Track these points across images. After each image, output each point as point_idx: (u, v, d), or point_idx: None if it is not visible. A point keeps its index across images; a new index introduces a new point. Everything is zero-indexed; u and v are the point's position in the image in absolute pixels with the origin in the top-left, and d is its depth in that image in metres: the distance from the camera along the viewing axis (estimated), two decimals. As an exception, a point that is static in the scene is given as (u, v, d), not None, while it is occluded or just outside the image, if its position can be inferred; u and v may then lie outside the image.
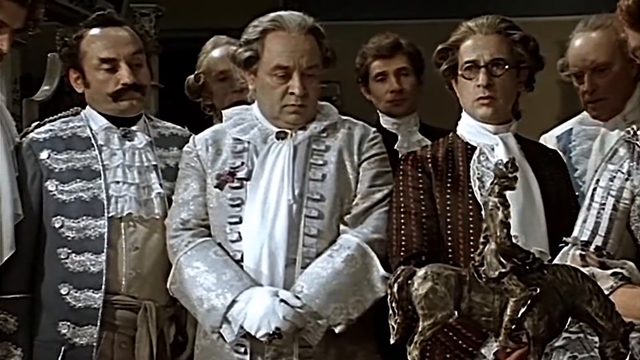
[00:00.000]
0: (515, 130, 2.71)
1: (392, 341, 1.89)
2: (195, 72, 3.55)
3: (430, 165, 2.67)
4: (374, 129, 2.88)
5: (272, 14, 2.78)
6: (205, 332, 2.73)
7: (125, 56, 2.86)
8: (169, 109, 4.89)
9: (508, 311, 1.82)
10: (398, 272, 1.89)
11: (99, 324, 2.77)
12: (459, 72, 2.65)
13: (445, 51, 2.69)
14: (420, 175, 2.66)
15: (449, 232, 2.59)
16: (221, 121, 3.51)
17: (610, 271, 2.08)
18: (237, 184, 2.72)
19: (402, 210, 2.64)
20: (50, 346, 2.81)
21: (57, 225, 2.81)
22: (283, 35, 2.72)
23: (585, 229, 2.18)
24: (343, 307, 2.62)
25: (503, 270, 1.82)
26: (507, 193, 1.87)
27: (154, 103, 5.74)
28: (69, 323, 2.79)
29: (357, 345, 2.71)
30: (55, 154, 2.86)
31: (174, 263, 2.74)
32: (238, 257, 2.69)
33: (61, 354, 2.79)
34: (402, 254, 2.59)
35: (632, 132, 2.18)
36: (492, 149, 2.65)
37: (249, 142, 2.76)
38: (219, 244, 2.73)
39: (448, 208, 2.60)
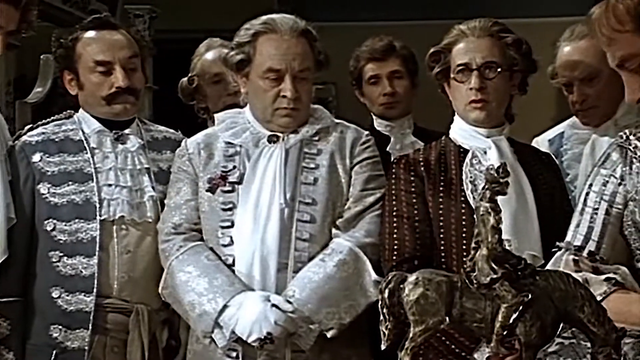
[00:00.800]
0: (508, 134, 2.71)
1: (383, 347, 1.87)
2: (189, 75, 3.55)
3: (422, 168, 2.66)
4: (366, 132, 2.87)
5: (264, 17, 2.77)
6: (197, 337, 2.71)
7: (120, 60, 2.86)
8: (163, 111, 4.88)
9: (500, 317, 1.81)
10: (389, 278, 1.88)
11: (90, 327, 2.77)
12: (452, 75, 2.65)
13: (437, 54, 2.68)
14: (412, 178, 2.65)
15: (441, 235, 2.58)
16: (214, 124, 3.53)
17: (603, 276, 2.07)
18: (229, 188, 2.71)
19: (394, 214, 2.64)
20: (42, 350, 2.80)
21: (49, 228, 2.80)
22: (275, 38, 2.72)
23: (579, 234, 2.17)
24: (335, 311, 2.61)
25: (495, 276, 1.80)
26: (499, 197, 1.86)
27: (148, 104, 5.73)
28: (60, 327, 2.79)
29: (351, 349, 2.70)
30: (48, 157, 2.85)
31: (166, 267, 2.74)
32: (230, 261, 2.68)
33: (53, 357, 2.78)
34: (394, 258, 2.59)
35: (624, 137, 2.17)
36: (485, 152, 2.64)
37: (240, 146, 2.76)
38: (211, 249, 2.72)
39: (441, 212, 2.59)
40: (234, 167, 2.73)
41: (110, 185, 2.83)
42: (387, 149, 3.41)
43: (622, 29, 1.92)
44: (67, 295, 2.78)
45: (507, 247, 2.39)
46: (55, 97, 4.31)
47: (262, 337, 2.56)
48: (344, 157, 2.76)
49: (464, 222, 2.55)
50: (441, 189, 2.62)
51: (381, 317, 1.89)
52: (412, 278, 1.86)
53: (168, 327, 2.91)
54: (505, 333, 1.81)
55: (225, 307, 2.60)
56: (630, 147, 2.15)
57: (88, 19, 2.99)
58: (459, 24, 2.71)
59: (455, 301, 1.83)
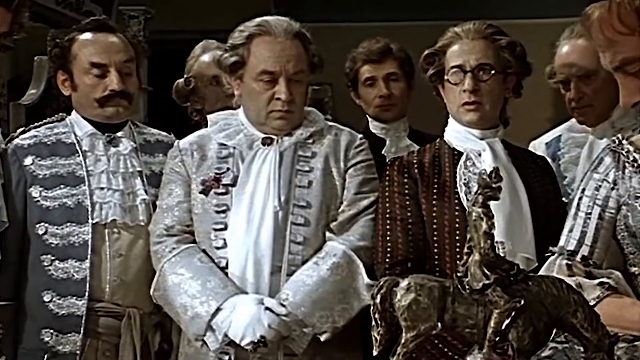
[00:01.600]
0: (502, 136, 2.70)
1: (375, 352, 1.86)
2: (185, 76, 3.54)
3: (416, 171, 2.65)
4: (360, 136, 2.86)
5: (258, 19, 2.76)
6: (189, 340, 2.70)
7: (116, 63, 2.85)
8: (158, 112, 4.87)
9: (492, 323, 1.79)
10: (381, 283, 1.87)
11: (82, 331, 2.75)
12: (446, 77, 2.64)
13: (431, 56, 2.68)
14: (406, 181, 2.64)
15: (435, 238, 2.57)
16: (207, 126, 3.52)
17: (597, 281, 2.06)
18: (223, 190, 2.70)
19: (387, 216, 2.63)
20: (34, 354, 2.79)
21: (40, 232, 2.79)
22: (269, 41, 2.70)
23: (572, 239, 2.16)
24: (329, 315, 2.60)
25: (487, 281, 1.79)
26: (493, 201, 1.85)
27: (143, 106, 5.72)
28: (52, 331, 2.77)
29: (344, 353, 2.69)
30: (40, 160, 2.84)
31: (158, 269, 2.72)
32: (223, 264, 2.66)
33: (44, 361, 2.76)
34: (387, 260, 2.58)
35: (617, 141, 2.16)
36: (479, 155, 2.63)
37: (234, 148, 2.75)
38: (204, 251, 2.70)
39: (434, 214, 2.58)
40: (228, 169, 2.72)
41: (102, 188, 2.82)
42: (383, 152, 3.40)
43: (627, 31, 1.87)
44: (59, 299, 2.77)
45: (501, 250, 2.42)
46: (50, 98, 4.30)
47: (255, 341, 2.54)
48: (338, 160, 2.74)
49: (457, 225, 2.54)
50: (435, 191, 2.61)
51: (373, 323, 1.87)
52: (404, 283, 1.84)
53: (160, 330, 2.89)
54: (497, 339, 1.80)
55: (218, 309, 2.59)
56: (623, 152, 2.14)
57: (86, 20, 3.00)
58: (455, 25, 2.71)
59: (448, 307, 1.82)
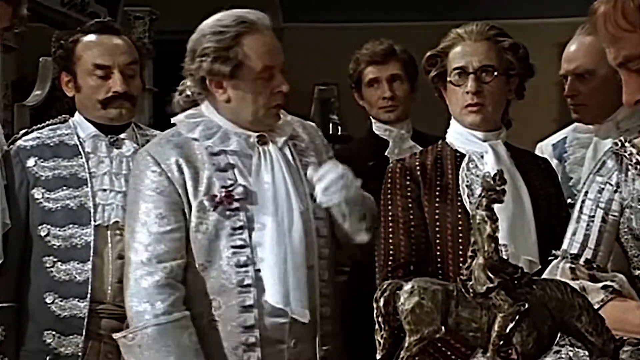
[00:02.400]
0: (505, 138, 2.69)
1: (378, 357, 1.85)
2: None
3: (418, 173, 2.64)
4: (314, 125, 2.85)
5: (233, 17, 2.59)
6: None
7: (119, 65, 2.85)
8: (163, 113, 4.86)
9: (496, 327, 1.78)
10: (384, 286, 1.86)
11: (84, 333, 2.75)
12: (448, 79, 2.63)
13: (434, 57, 2.66)
14: (408, 183, 2.63)
15: (437, 241, 2.56)
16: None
17: (600, 284, 2.05)
18: (237, 205, 2.54)
19: (390, 219, 2.61)
20: (36, 356, 2.79)
21: (43, 234, 2.79)
22: (259, 37, 2.58)
23: (575, 242, 2.15)
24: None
25: (491, 285, 1.78)
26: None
27: (148, 106, 5.73)
28: (54, 332, 2.77)
29: None
30: (42, 162, 2.84)
31: (140, 323, 2.48)
32: (247, 282, 2.51)
33: (46, 363, 2.76)
34: (389, 263, 2.56)
35: (620, 144, 2.15)
36: (482, 157, 2.62)
37: (227, 156, 2.58)
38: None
39: (437, 217, 2.57)
40: (234, 181, 2.56)
41: (104, 190, 2.81)
42: (386, 153, 3.39)
43: (630, 28, 1.87)
44: (61, 301, 2.77)
45: (504, 252, 2.41)
46: (54, 100, 4.31)
47: None
48: (320, 152, 2.73)
49: (460, 227, 2.53)
50: (437, 193, 2.60)
51: (376, 326, 1.86)
52: (407, 287, 1.83)
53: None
54: (501, 343, 1.79)
55: None
56: (626, 154, 2.12)
57: (90, 22, 2.99)
58: (458, 26, 2.70)
59: (451, 310, 1.81)
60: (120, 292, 2.76)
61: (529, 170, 2.66)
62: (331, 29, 7.01)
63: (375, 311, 1.86)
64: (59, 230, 2.78)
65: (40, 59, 4.71)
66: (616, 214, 2.12)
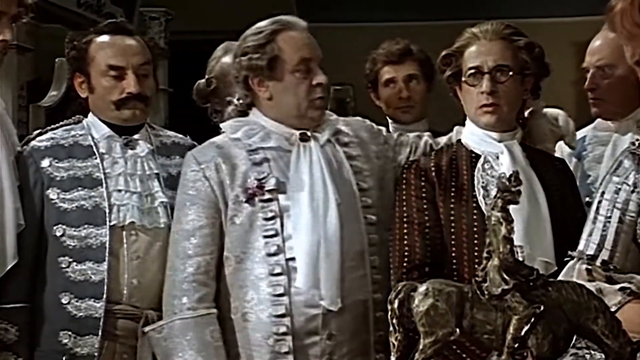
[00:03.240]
0: (520, 138, 2.67)
1: (392, 359, 1.84)
2: (207, 77, 3.53)
3: (433, 174, 2.63)
4: (360, 119, 2.88)
5: (269, 20, 2.73)
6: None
7: (133, 65, 2.85)
8: (179, 113, 4.87)
9: (511, 329, 1.77)
10: (399, 288, 1.85)
11: (100, 333, 2.75)
12: (463, 79, 2.61)
13: (449, 57, 2.65)
14: (423, 184, 2.62)
15: (453, 242, 2.55)
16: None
17: (617, 286, 2.03)
18: (269, 196, 2.63)
19: (405, 220, 2.61)
20: (51, 356, 2.79)
21: (58, 234, 2.79)
22: (294, 33, 2.70)
23: (591, 243, 2.13)
24: None
25: (506, 287, 1.77)
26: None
27: (164, 107, 5.74)
28: (70, 333, 2.77)
29: None
30: (57, 162, 2.84)
31: (168, 316, 2.66)
32: (277, 270, 2.59)
33: (62, 364, 2.77)
34: (404, 265, 2.56)
35: (637, 144, 2.13)
36: (497, 157, 2.61)
37: (264, 151, 2.68)
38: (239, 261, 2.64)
39: (452, 218, 2.56)
40: (267, 174, 2.65)
41: (120, 190, 2.81)
42: (403, 154, 3.38)
43: None
44: (77, 301, 2.77)
45: (520, 254, 2.39)
46: (70, 101, 4.32)
47: None
48: (366, 144, 2.75)
49: (475, 229, 2.52)
50: (452, 194, 2.59)
51: (390, 328, 1.86)
52: (422, 289, 1.83)
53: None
54: (516, 345, 1.78)
55: None
56: (643, 154, 2.11)
57: (103, 23, 3.00)
58: (474, 25, 2.68)
59: (466, 312, 1.80)
60: (136, 292, 2.79)
61: (544, 170, 2.64)
62: (347, 29, 7.01)
63: (389, 313, 1.85)
64: (74, 231, 2.78)
65: (56, 60, 4.72)
66: (633, 214, 2.10)
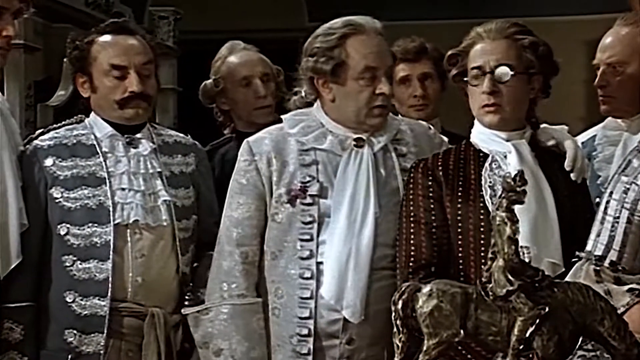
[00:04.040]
0: (529, 138, 2.64)
1: (396, 360, 1.83)
2: (214, 77, 3.52)
3: (441, 173, 2.61)
4: (426, 124, 2.89)
5: (343, 19, 2.73)
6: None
7: (135, 65, 2.85)
8: (188, 112, 4.86)
9: (516, 331, 1.76)
10: (403, 289, 1.84)
11: (105, 331, 2.75)
12: (466, 78, 2.59)
13: (455, 57, 2.64)
14: (430, 183, 2.60)
15: (459, 242, 2.53)
16: (233, 128, 3.49)
17: (626, 287, 2.01)
18: (310, 201, 2.65)
19: (412, 219, 2.59)
20: (57, 355, 2.79)
21: (62, 233, 2.79)
22: (364, 38, 2.69)
23: (599, 243, 2.11)
24: None
25: (511, 288, 1.75)
26: (518, 205, 1.80)
27: (173, 106, 5.72)
28: (75, 331, 2.77)
29: None
30: (60, 161, 2.84)
31: (216, 300, 2.71)
32: (307, 274, 2.63)
33: (67, 362, 2.76)
34: (410, 264, 2.55)
35: None
36: (505, 157, 2.58)
37: (316, 152, 2.69)
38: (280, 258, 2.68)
39: (459, 217, 2.54)
40: (313, 178, 2.67)
41: (123, 189, 2.81)
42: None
43: None
44: (82, 300, 2.77)
45: (526, 255, 2.36)
46: (78, 100, 4.32)
47: None
48: (424, 154, 2.72)
49: (482, 229, 2.49)
50: (459, 194, 2.57)
51: (394, 329, 1.84)
52: (426, 289, 1.81)
53: (181, 329, 2.86)
54: (521, 347, 1.76)
55: None
56: (652, 154, 2.08)
57: (105, 22, 2.98)
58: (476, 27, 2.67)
59: (470, 313, 1.79)
60: (141, 290, 2.79)
61: (554, 170, 2.61)
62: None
63: (393, 314, 1.84)
64: (78, 229, 2.78)
65: (65, 59, 4.71)
66: (642, 214, 2.07)
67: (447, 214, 2.56)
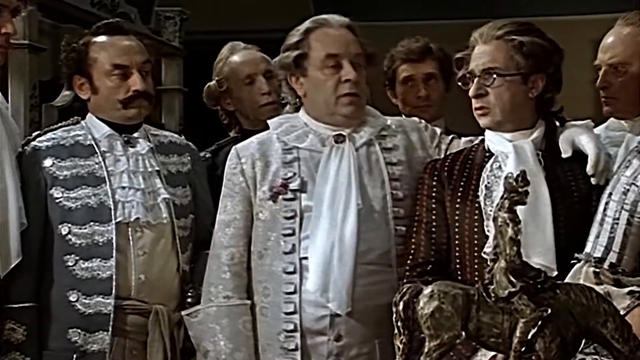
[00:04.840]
0: (541, 136, 2.60)
1: (397, 362, 1.82)
2: (217, 78, 3.52)
3: (446, 174, 2.62)
4: (417, 119, 2.88)
5: (309, 19, 2.77)
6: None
7: (137, 64, 2.86)
8: (194, 112, 4.85)
9: (518, 332, 1.75)
10: (404, 290, 1.83)
11: (110, 329, 2.76)
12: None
13: (460, 60, 2.64)
14: (435, 184, 2.61)
15: (457, 242, 2.54)
16: (239, 129, 3.49)
17: (626, 289, 2.00)
18: (291, 196, 2.68)
19: (415, 218, 2.62)
20: (61, 355, 2.79)
21: (63, 232, 2.79)
22: (327, 30, 2.72)
23: (599, 245, 2.09)
24: None
25: (513, 289, 1.74)
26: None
27: (179, 106, 5.71)
28: (79, 330, 2.78)
29: None
30: (59, 162, 2.84)
31: (204, 302, 2.74)
32: (290, 269, 2.65)
33: (73, 362, 2.77)
34: (408, 262, 2.58)
35: None
36: (507, 157, 2.56)
37: (298, 151, 2.71)
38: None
39: (457, 218, 2.55)
40: (294, 174, 2.69)
41: (123, 187, 2.82)
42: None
43: None
44: (85, 299, 2.77)
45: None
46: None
47: None
48: (413, 149, 2.74)
49: (475, 229, 2.49)
50: (460, 194, 2.57)
51: (395, 331, 1.83)
52: (427, 291, 1.80)
53: (184, 327, 2.85)
54: (523, 349, 1.75)
55: None
56: (652, 154, 2.07)
57: (97, 24, 2.98)
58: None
59: (472, 315, 1.78)
60: (144, 287, 2.80)
61: (563, 172, 2.56)
62: (362, 28, 6.98)
63: (394, 315, 1.83)
64: (80, 229, 2.78)
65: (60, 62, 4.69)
66: (642, 216, 2.06)
67: (448, 215, 2.56)
